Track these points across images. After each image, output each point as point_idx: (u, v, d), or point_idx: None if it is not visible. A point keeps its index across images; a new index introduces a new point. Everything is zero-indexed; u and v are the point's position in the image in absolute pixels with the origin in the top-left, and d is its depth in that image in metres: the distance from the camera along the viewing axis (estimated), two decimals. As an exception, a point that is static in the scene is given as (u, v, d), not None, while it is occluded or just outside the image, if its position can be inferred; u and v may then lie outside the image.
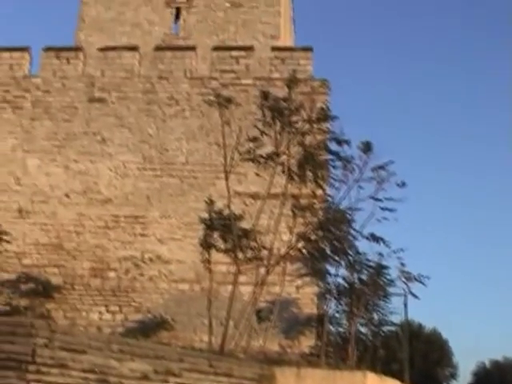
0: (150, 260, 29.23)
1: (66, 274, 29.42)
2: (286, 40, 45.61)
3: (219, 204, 23.26)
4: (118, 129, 31.14)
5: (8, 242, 28.89)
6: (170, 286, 28.92)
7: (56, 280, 29.10)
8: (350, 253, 25.39)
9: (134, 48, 33.51)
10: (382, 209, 22.96)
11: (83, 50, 33.92)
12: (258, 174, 24.76)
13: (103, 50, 33.31)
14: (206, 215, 23.07)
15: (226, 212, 22.78)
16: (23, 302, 28.17)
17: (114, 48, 33.55)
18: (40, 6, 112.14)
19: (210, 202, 22.99)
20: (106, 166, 30.61)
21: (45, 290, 28.44)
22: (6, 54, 33.30)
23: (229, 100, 23.09)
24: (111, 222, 29.84)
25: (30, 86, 32.49)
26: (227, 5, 42.10)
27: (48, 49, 33.16)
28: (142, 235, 29.60)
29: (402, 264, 26.07)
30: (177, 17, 42.56)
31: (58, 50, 33.14)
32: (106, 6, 43.17)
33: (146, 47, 35.09)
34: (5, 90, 32.45)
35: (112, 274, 29.30)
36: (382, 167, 23.05)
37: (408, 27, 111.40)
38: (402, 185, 23.05)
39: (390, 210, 22.96)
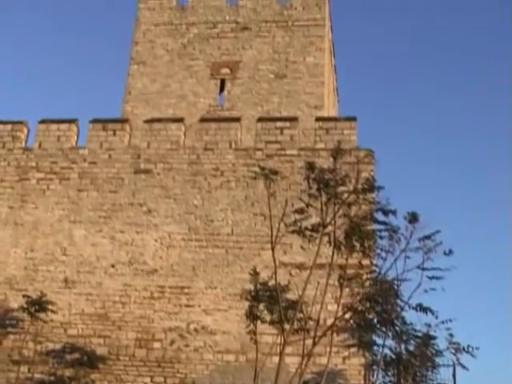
0: (196, 331, 29.07)
1: (111, 344, 29.32)
2: (330, 110, 45.95)
3: (264, 274, 23.18)
4: (164, 200, 31.33)
5: (54, 311, 29.03)
6: (216, 357, 28.67)
7: (101, 350, 29.00)
8: (398, 323, 25.02)
9: (179, 120, 33.94)
10: (430, 278, 22.65)
11: (129, 122, 34.45)
12: (303, 248, 24.69)
13: (149, 121, 33.77)
14: (251, 286, 22.98)
15: (271, 283, 22.65)
16: (68, 373, 28.12)
17: (159, 120, 34.04)
18: (88, 78, 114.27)
19: (255, 273, 22.90)
20: (152, 237, 30.74)
21: (90, 361, 28.34)
22: (54, 126, 33.89)
23: (275, 172, 23.15)
24: (157, 292, 29.82)
25: (76, 157, 32.95)
26: (271, 76, 42.68)
27: (95, 121, 33.72)
28: (188, 306, 29.49)
29: (451, 335, 25.57)
30: (221, 88, 43.21)
31: (104, 121, 33.68)
32: (151, 78, 44.01)
33: (191, 118, 35.60)
34: (52, 161, 32.96)
35: (157, 345, 29.14)
36: (428, 237, 22.82)
37: (449, 102, 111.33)
38: (449, 253, 22.72)
39: (438, 279, 22.65)
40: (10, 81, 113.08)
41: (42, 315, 28.78)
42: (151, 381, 28.64)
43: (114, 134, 33.21)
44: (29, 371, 28.60)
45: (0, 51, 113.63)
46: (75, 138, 33.90)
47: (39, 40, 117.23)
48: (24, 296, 29.09)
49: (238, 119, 33.56)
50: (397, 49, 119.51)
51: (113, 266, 30.58)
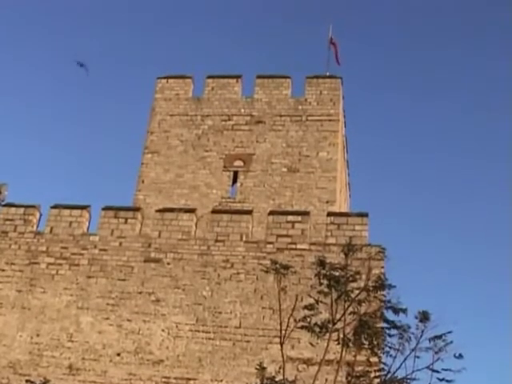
0: (200, 424, 28.65)
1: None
2: (342, 205, 46.13)
3: (271, 369, 22.97)
4: (173, 290, 31.22)
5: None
6: None
7: None
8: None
9: (191, 210, 34.10)
10: (440, 380, 22.35)
11: (141, 211, 34.63)
12: (312, 344, 24.46)
13: (161, 211, 33.94)
14: (257, 381, 22.71)
15: (278, 378, 22.40)
16: None
17: (171, 209, 34.20)
18: (102, 166, 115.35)
19: (262, 368, 22.67)
20: (159, 327, 30.51)
21: None
22: (66, 212, 34.09)
23: (286, 267, 23.15)
24: (162, 383, 29.47)
25: (87, 243, 33.03)
26: (284, 169, 43.00)
27: (107, 208, 33.91)
28: (189, 398, 29.13)
29: None
30: (234, 180, 43.50)
31: (116, 209, 33.87)
32: (165, 168, 44.40)
33: (203, 209, 35.78)
34: (63, 246, 33.04)
35: None
36: (439, 337, 22.61)
37: (464, 203, 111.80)
38: (460, 357, 22.49)
39: (448, 382, 22.34)
40: (24, 165, 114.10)
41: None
42: None
43: (126, 222, 33.35)
44: None
45: (16, 136, 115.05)
46: (87, 224, 34.06)
47: (52, 126, 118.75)
48: (27, 381, 28.63)
49: (249, 212, 33.70)
50: (409, 142, 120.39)
51: (118, 355, 30.29)
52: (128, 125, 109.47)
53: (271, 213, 33.41)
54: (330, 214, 33.10)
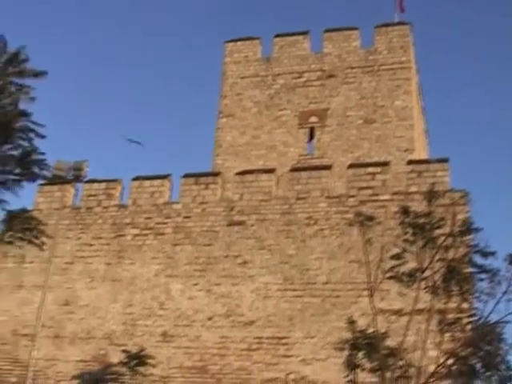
0: (295, 381, 28.77)
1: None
2: (421, 153, 45.49)
3: (362, 322, 22.94)
4: (258, 251, 31.34)
5: (153, 365, 29.15)
6: (316, 408, 28.31)
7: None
8: (502, 368, 24.26)
9: (270, 170, 34.08)
10: (533, 320, 21.97)
11: (221, 175, 34.73)
12: (401, 293, 24.27)
13: (240, 173, 33.99)
14: (349, 335, 22.68)
15: (369, 330, 22.33)
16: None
17: (250, 171, 34.21)
18: (178, 134, 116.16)
19: (352, 322, 22.64)
20: (248, 288, 30.72)
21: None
22: (147, 183, 34.46)
23: (370, 218, 22.96)
24: (254, 344, 29.71)
25: (170, 212, 33.36)
26: (360, 122, 42.58)
27: (187, 175, 34.13)
28: (286, 356, 29.26)
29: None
30: (310, 137, 43.24)
31: (196, 176, 34.07)
32: (240, 130, 44.38)
33: (281, 168, 35.69)
34: (147, 217, 33.45)
35: (256, 397, 29.00)
36: (530, 277, 22.16)
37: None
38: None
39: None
40: (101, 140, 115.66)
41: (141, 369, 28.96)
42: (251, 435, 28.45)
43: (207, 188, 33.54)
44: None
45: (92, 113, 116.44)
46: (168, 193, 34.38)
47: (128, 99, 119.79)
48: (123, 351, 29.36)
49: (328, 167, 33.48)
50: (486, 85, 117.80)
51: (210, 319, 30.64)
52: (199, 91, 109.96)
53: (351, 166, 33.15)
54: (410, 163, 32.67)
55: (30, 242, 28.21)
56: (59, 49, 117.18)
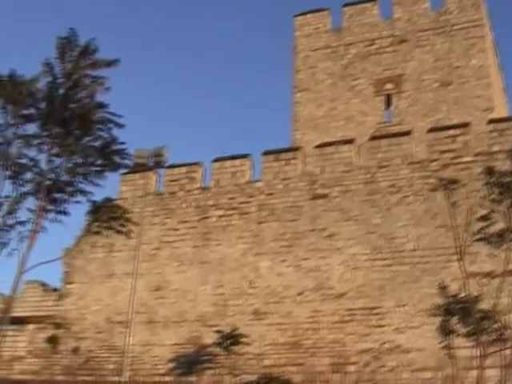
0: (389, 350, 28.64)
1: (306, 371, 29.33)
2: (501, 111, 44.61)
3: (454, 287, 22.59)
4: (344, 222, 31.20)
5: (247, 344, 29.36)
6: (412, 376, 28.08)
7: (296, 378, 29.05)
8: None
9: (350, 141, 33.83)
10: None
11: (301, 150, 34.64)
12: (491, 255, 23.88)
13: (320, 146, 33.86)
14: (441, 300, 22.42)
15: (461, 295, 22.03)
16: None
17: (330, 143, 34.04)
18: (254, 112, 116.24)
19: (443, 287, 22.35)
20: (336, 261, 30.64)
21: (286, 389, 28.41)
22: (228, 163, 34.63)
23: (454, 182, 22.60)
24: (346, 316, 29.65)
25: (253, 190, 33.46)
26: (436, 84, 41.95)
27: (267, 153, 34.16)
28: (379, 326, 29.13)
29: None
30: (387, 104, 42.77)
31: (276, 152, 34.08)
32: (317, 103, 44.20)
33: (361, 138, 35.36)
34: (230, 197, 33.62)
35: (352, 368, 28.92)
36: None
37: None
38: None
39: None
40: (178, 124, 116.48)
41: (235, 348, 29.21)
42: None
43: (287, 164, 33.51)
44: (229, 404, 29.03)
45: (167, 97, 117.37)
46: (250, 172, 34.47)
47: (201, 80, 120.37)
48: (216, 331, 29.63)
49: (408, 133, 33.08)
50: None
51: (300, 294, 30.67)
52: (272, 67, 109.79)
53: (431, 130, 32.68)
54: (490, 122, 31.99)
55: (117, 231, 28.67)
56: (123, 34, 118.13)
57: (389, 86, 43.10)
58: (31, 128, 29.52)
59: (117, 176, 35.27)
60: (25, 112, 29.37)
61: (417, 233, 29.93)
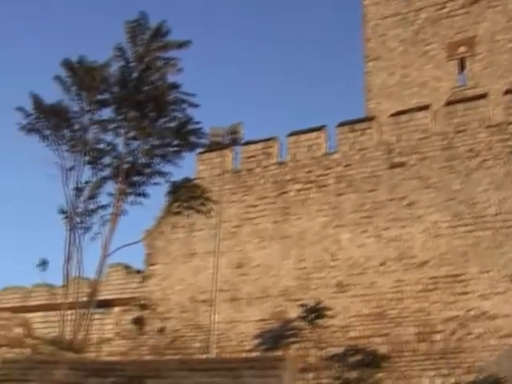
0: (475, 317, 28.30)
1: (392, 341, 29.19)
2: None
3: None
4: (423, 190, 30.83)
5: (331, 316, 29.37)
6: (500, 342, 27.71)
7: (382, 349, 28.94)
8: None
9: (425, 107, 33.37)
10: None
11: (376, 119, 34.32)
12: None
13: (395, 114, 33.51)
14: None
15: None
16: (353, 375, 28.22)
17: (405, 111, 33.63)
18: (327, 84, 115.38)
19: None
20: (417, 229, 30.32)
21: (373, 361, 28.33)
22: (304, 137, 34.49)
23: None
24: (430, 284, 29.36)
25: (330, 163, 33.29)
26: (510, 45, 40.99)
27: (342, 124, 33.92)
28: (464, 293, 28.79)
29: None
30: (461, 68, 42.00)
31: (351, 123, 33.81)
32: (389, 71, 43.68)
33: (436, 104, 34.84)
34: (308, 170, 33.51)
35: (438, 337, 28.68)
36: None
37: None
38: None
39: None
40: (251, 100, 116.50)
41: (320, 322, 29.26)
42: (437, 374, 28.15)
43: (363, 134, 33.21)
44: (315, 377, 29.04)
45: (241, 74, 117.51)
46: (325, 144, 34.25)
47: (269, 55, 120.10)
48: (300, 305, 29.70)
49: (484, 96, 32.44)
50: None
51: (382, 264, 30.49)
52: (341, 37, 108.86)
53: (507, 91, 32.01)
54: None
55: (197, 210, 28.98)
56: (192, 13, 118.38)
57: (462, 49, 42.27)
58: (106, 113, 30.18)
59: (193, 156, 35.45)
60: (99, 97, 29.92)
61: (498, 197, 29.42)
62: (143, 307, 35.04)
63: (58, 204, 29.33)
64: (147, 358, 32.35)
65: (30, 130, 29.85)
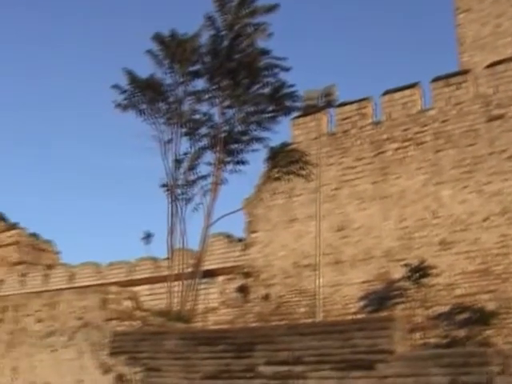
0: None
1: (499, 298, 28.72)
2: None
3: None
4: None
5: (436, 275, 29.08)
6: None
7: (490, 306, 28.50)
8: None
9: (521, 56, 32.51)
10: None
11: (471, 72, 33.55)
12: None
13: (490, 66, 32.72)
14: None
15: None
16: (461, 333, 27.91)
17: (501, 62, 32.79)
18: (419, 39, 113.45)
19: None
20: (520, 182, 29.69)
21: (480, 318, 27.93)
22: (398, 95, 33.99)
23: None
24: (536, 238, 28.79)
25: (426, 119, 32.77)
26: None
27: (436, 79, 33.28)
28: None
29: None
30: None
31: (445, 77, 33.13)
32: (481, 22, 42.59)
33: (532, 53, 33.92)
34: (404, 128, 33.06)
35: (547, 290, 28.19)
36: None
37: None
38: None
39: None
40: (346, 60, 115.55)
41: (425, 281, 29.02)
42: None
43: (459, 88, 32.52)
44: (422, 337, 28.82)
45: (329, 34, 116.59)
46: (420, 101, 33.69)
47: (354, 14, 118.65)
48: (404, 265, 29.50)
49: None
50: None
51: (486, 220, 29.95)
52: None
53: None
54: None
55: (296, 174, 28.93)
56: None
57: (556, -8, 40.94)
58: (200, 84, 30.37)
59: (288, 122, 35.35)
60: (192, 69, 30.13)
61: None
62: (247, 275, 35.36)
63: (159, 177, 29.74)
64: (253, 325, 32.66)
65: (126, 106, 30.27)
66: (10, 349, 20.39)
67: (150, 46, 30.19)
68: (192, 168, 29.73)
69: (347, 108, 35.03)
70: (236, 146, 29.69)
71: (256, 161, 31.29)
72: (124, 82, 30.20)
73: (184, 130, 29.82)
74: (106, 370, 18.00)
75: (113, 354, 18.25)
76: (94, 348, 18.41)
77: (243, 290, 35.28)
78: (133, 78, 29.88)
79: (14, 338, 20.45)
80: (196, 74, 30.11)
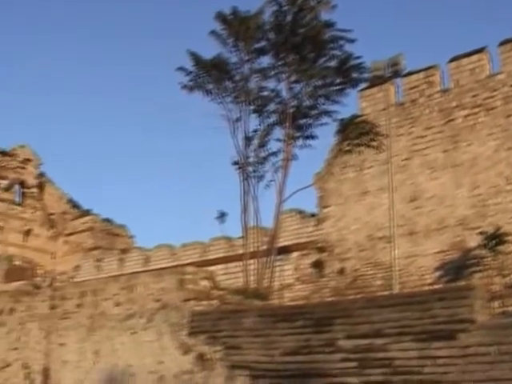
0: None
1: None
2: None
3: None
4: None
5: (512, 242, 28.68)
6: None
7: None
8: None
9: None
10: None
11: (541, 33, 32.83)
12: None
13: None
14: None
15: None
16: None
17: None
18: (477, 2, 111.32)
19: None
20: None
21: None
22: (465, 61, 33.47)
23: None
24: None
25: (496, 84, 32.21)
26: None
27: (504, 42, 32.64)
28: None
29: None
30: None
31: (512, 41, 32.50)
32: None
33: None
34: (473, 95, 32.56)
35: None
36: None
37: None
38: None
39: None
40: (411, 28, 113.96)
41: (501, 248, 28.58)
42: None
43: (527, 50, 31.91)
44: (501, 305, 28.42)
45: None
46: (489, 65, 33.11)
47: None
48: (479, 233, 29.13)
49: None
50: None
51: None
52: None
53: None
54: None
55: (367, 146, 28.68)
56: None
57: None
58: (265, 60, 30.24)
59: (355, 94, 35.05)
60: (256, 46, 30.02)
61: None
62: (321, 250, 35.34)
63: (229, 156, 29.77)
64: (330, 299, 32.65)
65: (192, 87, 30.32)
66: (91, 333, 20.70)
67: (213, 28, 30.18)
68: (262, 145, 29.65)
69: (414, 77, 34.63)
70: (305, 120, 29.50)
71: (325, 135, 31.12)
72: (189, 64, 30.27)
73: (252, 107, 29.74)
74: (186, 350, 18.12)
75: (192, 334, 18.36)
76: (173, 329, 18.58)
77: (318, 265, 35.27)
78: (197, 59, 29.90)
79: (94, 322, 20.74)
80: (261, 51, 29.99)
